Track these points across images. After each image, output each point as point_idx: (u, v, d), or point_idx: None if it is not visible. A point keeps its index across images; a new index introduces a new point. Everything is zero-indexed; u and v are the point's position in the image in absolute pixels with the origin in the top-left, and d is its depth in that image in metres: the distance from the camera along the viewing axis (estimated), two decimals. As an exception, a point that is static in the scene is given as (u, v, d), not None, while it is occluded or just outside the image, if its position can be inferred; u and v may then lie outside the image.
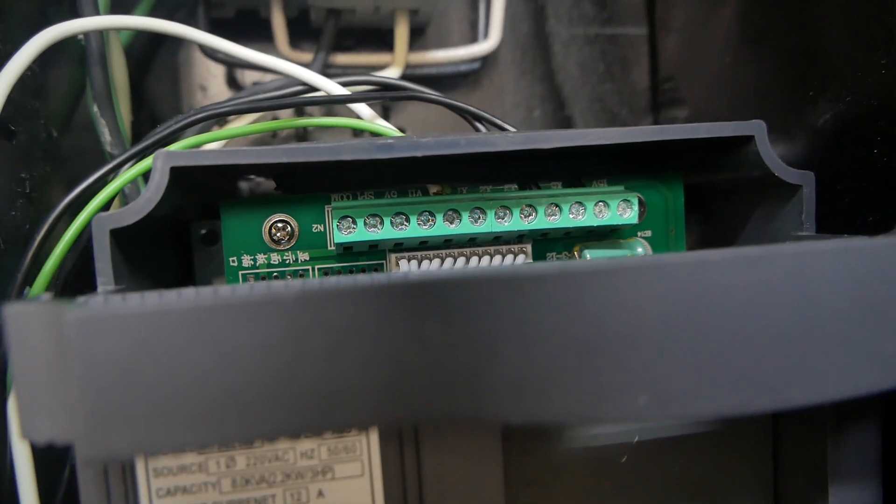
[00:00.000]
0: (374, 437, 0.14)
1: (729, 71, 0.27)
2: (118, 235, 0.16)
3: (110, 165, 0.17)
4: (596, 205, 0.19)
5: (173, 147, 0.18)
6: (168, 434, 0.10)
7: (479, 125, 0.21)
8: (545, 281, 0.11)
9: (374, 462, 0.14)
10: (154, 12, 0.27)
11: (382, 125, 0.21)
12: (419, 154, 0.17)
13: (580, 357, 0.12)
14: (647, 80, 0.32)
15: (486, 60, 0.30)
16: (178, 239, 0.22)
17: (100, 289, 0.15)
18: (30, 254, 0.16)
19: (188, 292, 0.12)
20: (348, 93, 0.22)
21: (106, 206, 0.18)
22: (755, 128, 0.18)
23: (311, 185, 0.20)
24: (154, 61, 0.28)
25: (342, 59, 0.28)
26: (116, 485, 0.13)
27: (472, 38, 0.30)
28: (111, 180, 0.18)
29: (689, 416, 0.15)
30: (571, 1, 0.32)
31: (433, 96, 0.22)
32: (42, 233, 0.16)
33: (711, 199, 0.23)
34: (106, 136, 0.21)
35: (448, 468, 0.14)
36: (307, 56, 0.27)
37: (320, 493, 0.14)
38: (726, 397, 0.12)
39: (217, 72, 0.29)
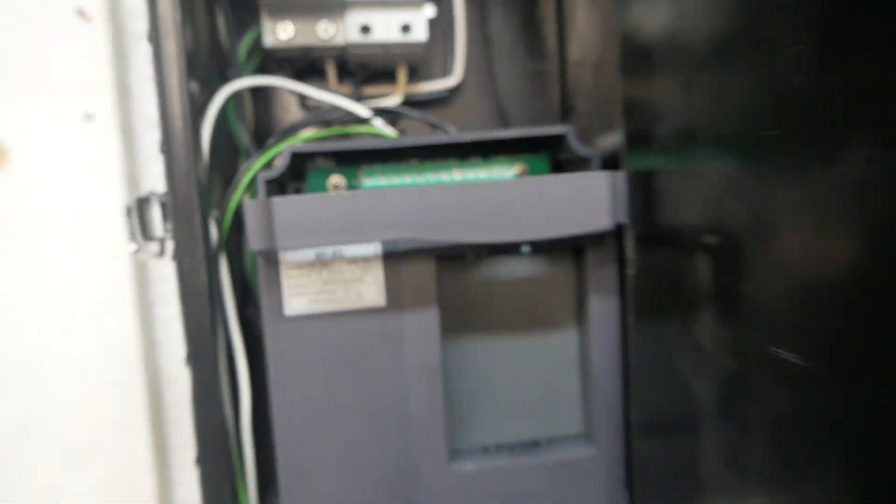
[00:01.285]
0: (380, 265, 0.34)
1: (592, 91, 0.46)
2: (266, 184, 0.35)
3: (266, 154, 0.37)
4: (495, 168, 0.39)
5: (290, 141, 0.38)
6: (318, 238, 0.30)
7: (440, 130, 0.41)
8: (450, 190, 0.31)
9: (379, 276, 0.34)
10: (259, 68, 0.46)
11: (389, 131, 0.41)
12: (409, 144, 0.36)
13: (462, 213, 0.31)
14: (558, 100, 0.51)
15: (455, 90, 0.49)
16: (279, 193, 0.41)
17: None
18: (232, 201, 0.35)
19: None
20: (370, 113, 0.41)
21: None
22: (566, 129, 0.37)
23: (352, 161, 0.39)
24: (256, 93, 0.48)
25: (368, 90, 0.47)
26: (273, 280, 0.33)
27: (446, 74, 0.50)
28: (249, 165, 0.38)
29: (480, 240, 0.34)
30: (511, 47, 0.51)
31: (415, 115, 0.41)
32: (239, 190, 0.35)
33: (563, 168, 0.42)
34: (246, 139, 0.41)
35: (413, 278, 0.34)
36: (347, 89, 0.47)
37: (357, 292, 0.34)
38: (494, 234, 0.31)
39: (292, 100, 0.48)
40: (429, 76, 0.50)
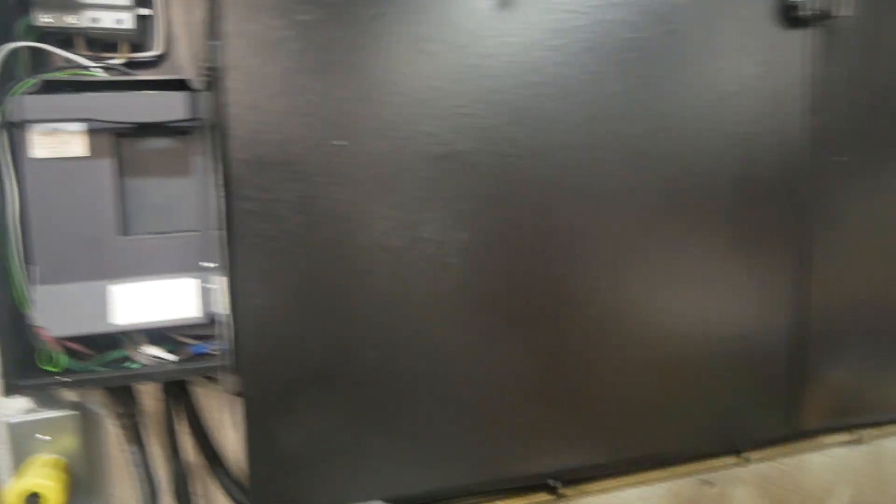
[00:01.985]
0: (86, 135, 0.70)
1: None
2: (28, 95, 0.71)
3: (30, 80, 0.72)
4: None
5: (46, 76, 0.73)
6: (47, 116, 0.66)
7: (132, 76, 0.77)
8: (111, 96, 0.68)
9: (85, 141, 0.70)
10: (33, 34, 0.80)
11: (104, 75, 0.77)
12: (108, 79, 0.73)
13: (113, 107, 0.68)
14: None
15: (162, 56, 0.86)
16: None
17: (24, 105, 0.70)
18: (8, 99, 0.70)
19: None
20: (93, 64, 0.77)
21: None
22: (189, 78, 0.75)
23: (81, 88, 0.75)
24: (37, 52, 0.82)
25: (105, 54, 0.83)
26: (25, 139, 0.68)
27: (154, 48, 0.86)
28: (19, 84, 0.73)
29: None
30: (195, 33, 0.88)
31: (120, 69, 0.78)
32: (14, 94, 0.70)
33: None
34: (23, 74, 0.76)
35: (101, 141, 0.70)
36: (90, 53, 0.82)
37: (72, 149, 0.70)
38: (129, 118, 0.69)
39: (60, 58, 0.83)
40: (146, 48, 0.86)
